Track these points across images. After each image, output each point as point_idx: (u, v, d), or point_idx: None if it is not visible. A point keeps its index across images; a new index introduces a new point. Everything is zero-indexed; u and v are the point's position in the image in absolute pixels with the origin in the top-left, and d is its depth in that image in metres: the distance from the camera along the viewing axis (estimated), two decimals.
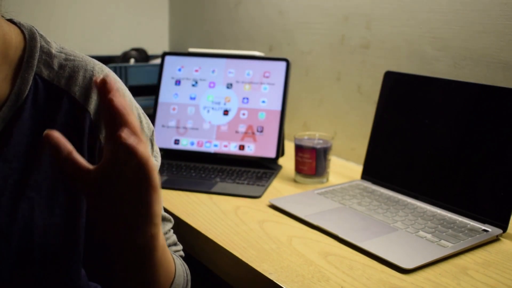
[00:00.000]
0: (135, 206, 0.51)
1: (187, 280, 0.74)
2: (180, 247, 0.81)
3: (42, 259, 0.63)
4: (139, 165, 0.48)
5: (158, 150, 0.77)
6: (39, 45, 0.66)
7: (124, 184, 0.50)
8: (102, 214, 0.53)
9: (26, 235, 0.62)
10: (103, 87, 0.47)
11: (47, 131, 0.48)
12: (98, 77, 0.48)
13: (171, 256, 0.68)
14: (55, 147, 0.48)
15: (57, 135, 0.49)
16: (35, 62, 0.65)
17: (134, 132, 0.48)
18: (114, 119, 0.48)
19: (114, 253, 0.58)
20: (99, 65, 0.70)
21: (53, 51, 0.68)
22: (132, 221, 0.52)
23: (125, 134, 0.47)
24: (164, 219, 0.77)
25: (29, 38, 0.66)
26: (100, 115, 0.48)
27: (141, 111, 0.74)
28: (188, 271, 0.76)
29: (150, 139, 0.73)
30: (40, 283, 0.63)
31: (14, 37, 0.65)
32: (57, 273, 0.65)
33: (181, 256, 0.81)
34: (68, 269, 0.65)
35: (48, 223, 0.63)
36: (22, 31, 0.67)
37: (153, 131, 0.74)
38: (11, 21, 0.67)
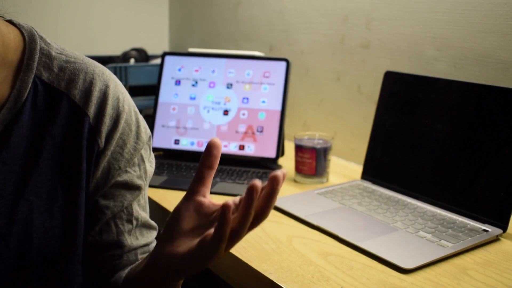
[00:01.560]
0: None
1: None
2: None
3: (41, 261, 0.63)
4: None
5: (153, 156, 0.76)
6: (38, 47, 0.66)
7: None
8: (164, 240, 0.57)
9: (25, 238, 0.62)
10: (275, 184, 0.49)
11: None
12: (283, 172, 0.50)
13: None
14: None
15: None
16: (35, 64, 0.65)
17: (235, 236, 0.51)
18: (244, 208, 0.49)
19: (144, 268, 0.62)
20: (99, 68, 0.70)
21: (53, 53, 0.67)
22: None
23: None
24: (150, 227, 0.75)
25: (29, 39, 0.66)
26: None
27: (139, 115, 0.74)
28: None
29: (147, 144, 0.73)
30: (39, 285, 0.63)
31: (13, 38, 0.65)
32: (56, 275, 0.64)
33: None
34: (67, 271, 0.65)
35: (47, 225, 0.63)
36: (22, 33, 0.66)
37: (150, 136, 0.74)
38: (10, 22, 0.67)
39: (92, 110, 0.66)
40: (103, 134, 0.67)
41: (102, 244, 0.69)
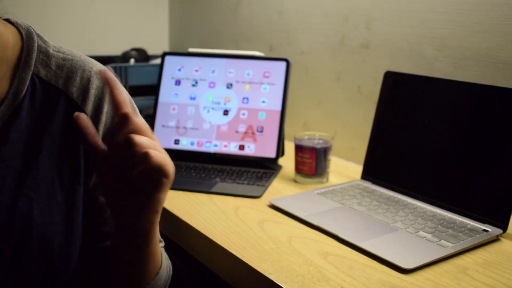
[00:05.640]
0: (142, 196, 0.55)
1: (169, 274, 0.76)
2: (162, 243, 0.81)
3: (40, 257, 0.63)
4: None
5: None
6: (36, 44, 0.67)
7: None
8: (111, 195, 0.57)
9: (24, 233, 0.62)
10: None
11: (77, 114, 0.53)
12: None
13: (160, 249, 0.70)
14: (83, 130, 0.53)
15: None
16: (33, 62, 0.65)
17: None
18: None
19: (116, 232, 0.63)
20: (97, 65, 0.70)
21: (51, 50, 0.68)
22: (136, 208, 0.57)
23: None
24: None
25: (27, 37, 0.66)
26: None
27: (137, 111, 0.74)
28: (171, 266, 0.78)
29: None
30: (38, 280, 0.64)
31: (11, 37, 0.65)
32: (55, 270, 0.65)
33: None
34: (66, 265, 0.65)
35: (46, 221, 0.63)
36: (19, 31, 0.67)
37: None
38: (8, 21, 0.67)
39: (89, 108, 0.67)
40: (100, 132, 0.67)
41: (101, 234, 0.70)
